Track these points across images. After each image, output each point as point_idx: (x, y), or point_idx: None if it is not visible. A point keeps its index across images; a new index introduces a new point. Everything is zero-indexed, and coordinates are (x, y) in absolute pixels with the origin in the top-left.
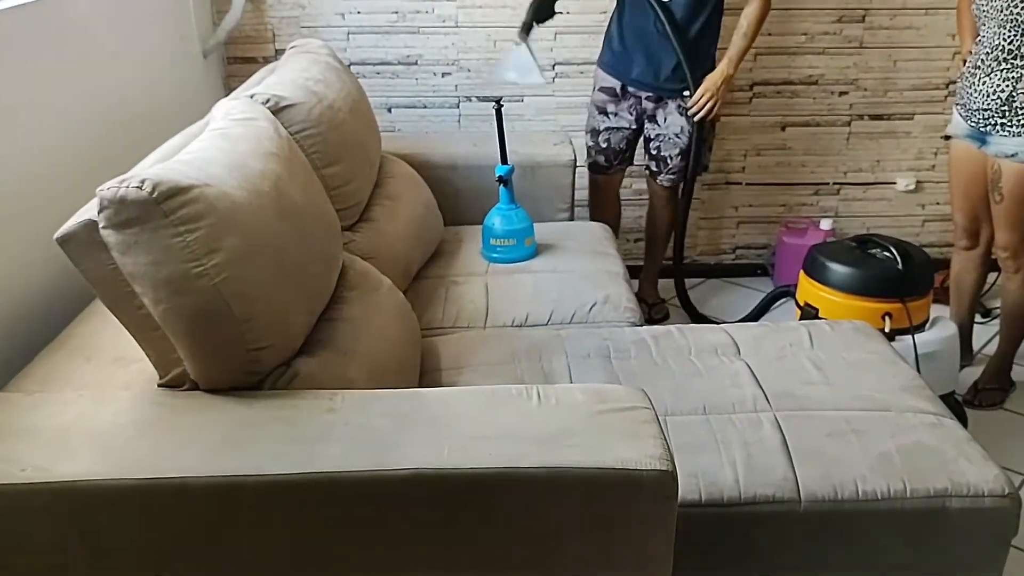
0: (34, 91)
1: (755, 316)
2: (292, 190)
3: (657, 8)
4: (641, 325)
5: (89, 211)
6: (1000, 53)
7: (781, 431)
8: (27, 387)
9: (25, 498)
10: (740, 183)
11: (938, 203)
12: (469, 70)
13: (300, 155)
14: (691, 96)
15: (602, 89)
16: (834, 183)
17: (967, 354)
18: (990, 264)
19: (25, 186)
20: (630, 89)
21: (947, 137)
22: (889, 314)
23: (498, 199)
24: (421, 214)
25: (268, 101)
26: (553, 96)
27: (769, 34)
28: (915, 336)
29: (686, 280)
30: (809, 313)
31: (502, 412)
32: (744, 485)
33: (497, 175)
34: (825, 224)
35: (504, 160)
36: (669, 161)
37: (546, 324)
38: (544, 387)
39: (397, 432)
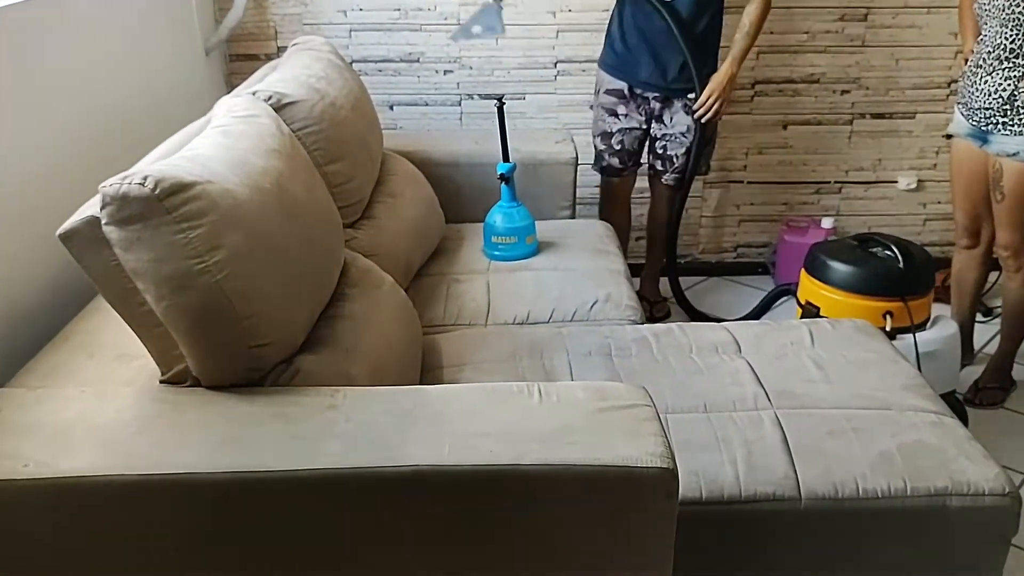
0: (37, 89)
1: (756, 314)
2: (294, 187)
3: (660, 8)
4: (642, 323)
5: (92, 207)
6: (1002, 52)
7: (782, 429)
8: (30, 383)
9: (27, 493)
10: (742, 181)
11: (939, 202)
12: (471, 68)
13: (302, 152)
14: (696, 98)
15: (609, 91)
16: (835, 182)
17: (968, 353)
18: (991, 263)
19: (28, 183)
20: (637, 90)
21: (948, 136)
22: (890, 313)
23: (500, 197)
24: (423, 212)
25: (270, 98)
26: (555, 94)
27: (771, 32)
28: (916, 335)
29: (687, 278)
30: (810, 311)
31: (503, 409)
32: (745, 483)
33: (499, 173)
34: (826, 223)
35: (506, 158)
36: (675, 160)
37: (547, 322)
38: (545, 384)
39: (398, 429)
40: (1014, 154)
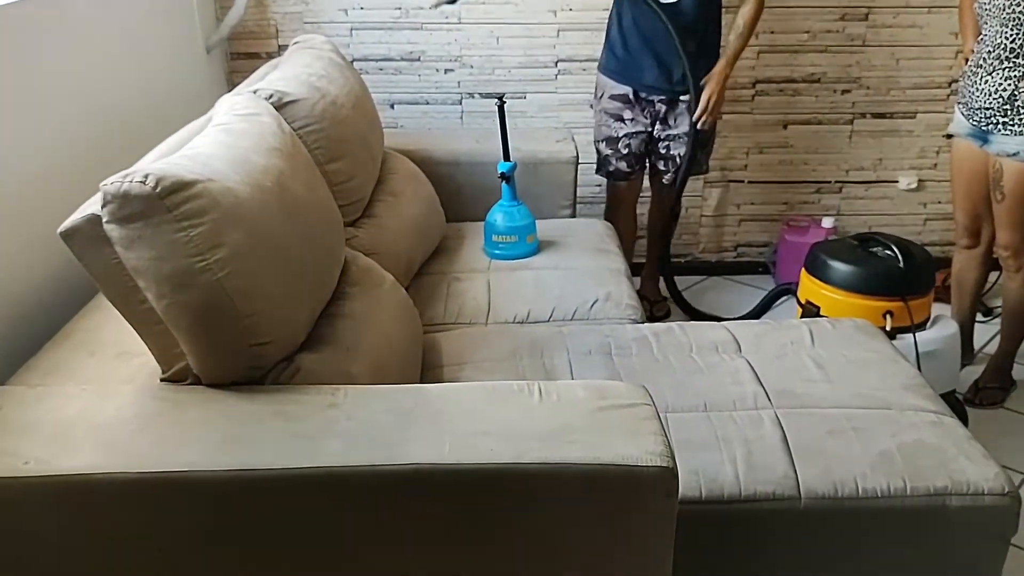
0: (36, 88)
1: (757, 314)
2: (295, 186)
3: (658, 10)
4: (642, 322)
5: (93, 206)
6: (1002, 52)
7: (782, 428)
8: (30, 381)
9: (28, 491)
10: (742, 181)
11: (940, 202)
12: (472, 66)
13: (303, 151)
14: (694, 100)
15: (614, 97)
16: (836, 181)
17: (968, 353)
18: (991, 263)
19: (29, 181)
20: (642, 94)
21: (949, 136)
22: (890, 312)
23: (500, 196)
24: (423, 210)
25: (271, 97)
26: (556, 93)
27: (772, 32)
28: (916, 334)
29: (688, 277)
30: (810, 311)
31: (503, 408)
32: (744, 482)
33: (499, 172)
34: (827, 222)
35: (506, 157)
36: (678, 160)
37: (548, 321)
38: (545, 383)
39: (399, 428)
40: (1014, 154)
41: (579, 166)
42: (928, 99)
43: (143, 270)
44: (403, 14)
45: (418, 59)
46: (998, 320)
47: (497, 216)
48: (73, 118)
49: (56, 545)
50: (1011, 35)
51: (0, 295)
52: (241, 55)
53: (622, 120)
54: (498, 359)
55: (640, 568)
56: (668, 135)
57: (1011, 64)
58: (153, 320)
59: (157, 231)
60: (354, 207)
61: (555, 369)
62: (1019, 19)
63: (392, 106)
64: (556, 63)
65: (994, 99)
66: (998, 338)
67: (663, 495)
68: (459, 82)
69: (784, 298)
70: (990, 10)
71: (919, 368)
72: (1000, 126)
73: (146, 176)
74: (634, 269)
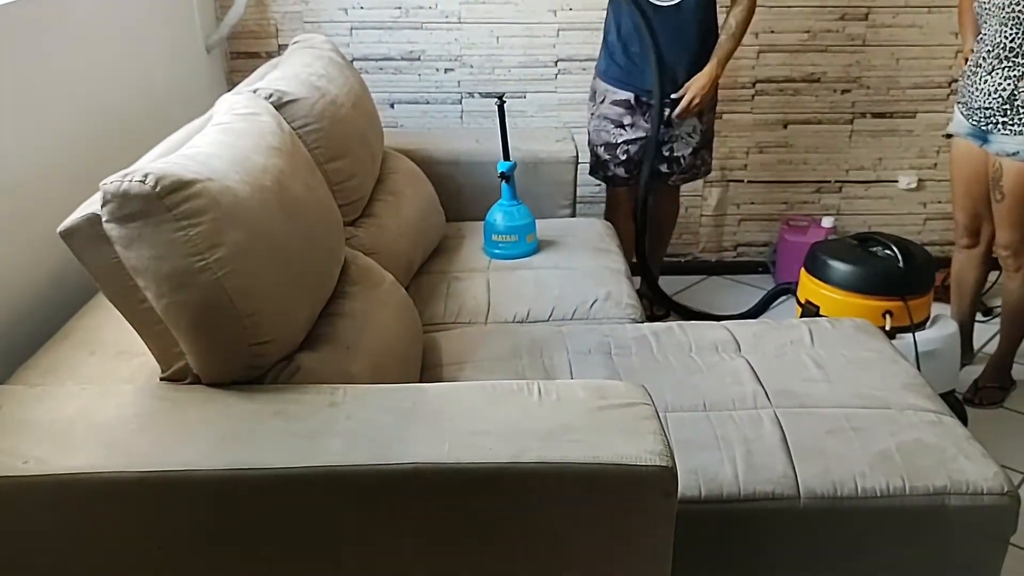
0: (37, 87)
1: (756, 313)
2: (294, 185)
3: (640, 12)
4: (642, 322)
5: (92, 205)
6: (1001, 51)
7: (781, 428)
8: (30, 380)
9: (27, 490)
10: (742, 180)
11: (939, 201)
12: (472, 66)
13: (303, 150)
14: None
15: (615, 103)
16: (836, 181)
17: (968, 352)
18: (991, 263)
19: (29, 180)
20: (644, 99)
21: (949, 135)
22: (890, 312)
23: (500, 195)
24: (423, 210)
25: (271, 96)
26: (556, 93)
27: (772, 31)
28: (916, 334)
29: (687, 277)
30: (810, 311)
31: (503, 407)
32: (744, 482)
33: (499, 171)
34: (826, 222)
35: (506, 156)
36: (682, 161)
37: (547, 320)
38: (545, 383)
39: (398, 427)
40: (1014, 154)
41: (579, 166)
42: (928, 99)
43: (142, 269)
44: (403, 14)
45: (418, 59)
46: (998, 320)
47: (497, 216)
48: (73, 118)
49: (55, 544)
50: (1011, 34)
51: (0, 294)
52: (241, 54)
53: (623, 127)
54: (498, 358)
55: (639, 567)
56: (671, 135)
57: (1011, 63)
58: (153, 319)
59: (157, 230)
60: (354, 206)
61: (555, 368)
62: (1018, 18)
63: (392, 105)
64: (556, 63)
65: (994, 99)
66: (998, 338)
67: (662, 494)
68: (459, 82)
69: (784, 298)
70: (989, 9)
71: (918, 368)
72: (1000, 126)
73: (146, 175)
74: (634, 269)
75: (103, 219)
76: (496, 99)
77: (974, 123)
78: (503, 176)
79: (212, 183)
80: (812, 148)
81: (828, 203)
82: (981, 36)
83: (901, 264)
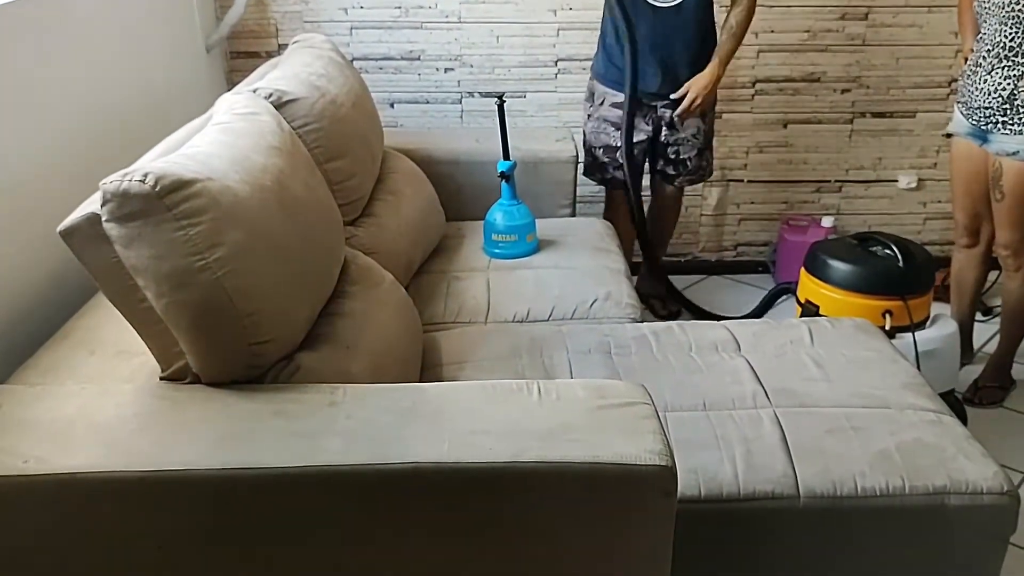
0: (36, 87)
1: (758, 313)
2: (294, 185)
3: (623, 15)
4: (642, 321)
5: (92, 204)
6: (1001, 51)
7: (781, 427)
8: (30, 379)
9: (27, 490)
10: (742, 180)
11: (939, 201)
12: (472, 66)
13: (303, 150)
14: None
15: (615, 105)
16: (836, 180)
17: (967, 352)
18: (991, 262)
19: (29, 179)
20: (644, 101)
21: (948, 135)
22: (890, 312)
23: (500, 195)
24: (423, 209)
25: (271, 96)
26: (556, 92)
27: (772, 31)
28: (915, 334)
29: (687, 277)
30: (810, 310)
31: (503, 407)
32: (743, 481)
33: (499, 171)
34: (826, 221)
35: (506, 156)
36: (688, 163)
37: (547, 320)
38: (545, 382)
39: (398, 426)
40: (1014, 153)
41: (579, 165)
42: (928, 98)
43: (142, 269)
44: (403, 13)
45: (418, 58)
46: (997, 319)
47: (497, 215)
48: (73, 118)
49: (55, 544)
50: (1010, 34)
51: (0, 294)
52: (241, 54)
53: (622, 129)
54: (497, 358)
55: (639, 566)
56: (676, 139)
57: (1010, 63)
58: (152, 319)
59: (156, 230)
60: (354, 206)
61: (554, 368)
62: (1018, 18)
63: (392, 105)
64: (556, 62)
65: (993, 98)
66: (997, 337)
67: (662, 494)
68: (459, 81)
69: (784, 297)
70: (989, 9)
71: (918, 367)
72: (999, 125)
73: (145, 175)
74: (634, 269)
75: (103, 218)
76: (496, 99)
77: (974, 123)
78: (503, 176)
79: (212, 183)
80: (812, 148)
81: (828, 203)
82: (981, 36)
83: (901, 264)
